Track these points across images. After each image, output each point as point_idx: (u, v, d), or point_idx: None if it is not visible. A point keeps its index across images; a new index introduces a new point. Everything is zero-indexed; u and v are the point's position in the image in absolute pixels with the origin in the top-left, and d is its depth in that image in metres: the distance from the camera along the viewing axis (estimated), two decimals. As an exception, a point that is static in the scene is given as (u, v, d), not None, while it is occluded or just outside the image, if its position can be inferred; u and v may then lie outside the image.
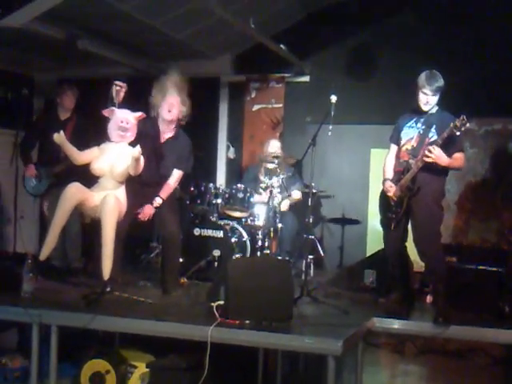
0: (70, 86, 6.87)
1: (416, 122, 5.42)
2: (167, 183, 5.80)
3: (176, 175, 5.86)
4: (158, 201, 5.73)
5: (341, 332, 4.43)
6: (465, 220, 7.74)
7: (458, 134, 5.06)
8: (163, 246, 6.17)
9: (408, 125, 5.46)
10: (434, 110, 5.39)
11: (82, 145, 5.50)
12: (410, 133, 5.43)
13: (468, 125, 5.01)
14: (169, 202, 5.87)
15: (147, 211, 5.74)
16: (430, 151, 5.10)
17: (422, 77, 5.28)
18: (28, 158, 6.86)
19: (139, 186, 5.55)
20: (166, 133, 5.88)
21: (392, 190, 5.39)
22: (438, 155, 5.11)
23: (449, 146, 5.18)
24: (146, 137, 5.55)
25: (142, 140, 5.38)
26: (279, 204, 6.79)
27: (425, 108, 5.34)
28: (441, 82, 5.26)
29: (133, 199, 5.45)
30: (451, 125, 5.03)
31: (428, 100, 5.30)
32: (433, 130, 5.30)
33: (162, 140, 5.86)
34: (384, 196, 5.53)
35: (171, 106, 5.78)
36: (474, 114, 6.68)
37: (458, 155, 5.27)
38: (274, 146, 7.40)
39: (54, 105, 6.90)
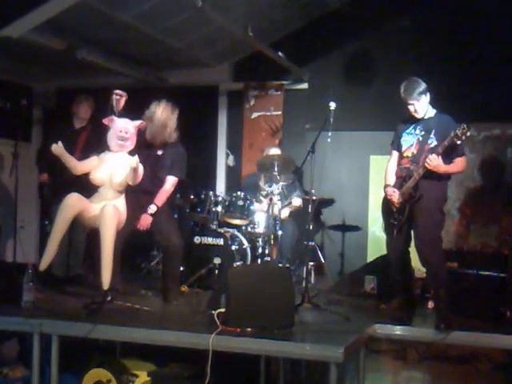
0: (87, 97, 6.90)
1: (414, 128, 5.41)
2: (162, 190, 5.81)
3: (170, 182, 5.86)
4: (152, 208, 5.72)
5: (342, 339, 4.43)
6: (465, 225, 7.73)
7: (458, 142, 5.05)
8: (164, 256, 6.17)
9: (407, 131, 5.45)
10: (431, 114, 5.38)
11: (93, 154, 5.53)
12: (410, 140, 5.42)
13: (469, 133, 5.00)
14: (166, 211, 5.88)
15: (144, 221, 5.74)
16: (429, 160, 5.09)
17: (401, 90, 5.32)
18: (42, 165, 6.98)
19: (135, 195, 5.55)
20: (159, 143, 5.90)
21: (395, 195, 5.38)
22: (435, 165, 5.11)
23: (450, 151, 5.17)
24: (139, 145, 5.56)
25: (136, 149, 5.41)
26: (279, 211, 6.78)
27: (418, 116, 5.36)
28: (420, 87, 5.26)
29: (130, 209, 5.45)
30: (452, 134, 5.02)
31: (416, 108, 5.32)
32: (432, 135, 5.29)
33: (156, 148, 5.89)
34: (386, 202, 5.52)
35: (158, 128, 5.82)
36: (473, 120, 6.68)
37: (458, 159, 5.26)
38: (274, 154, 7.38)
39: (70, 114, 6.93)
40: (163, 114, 5.80)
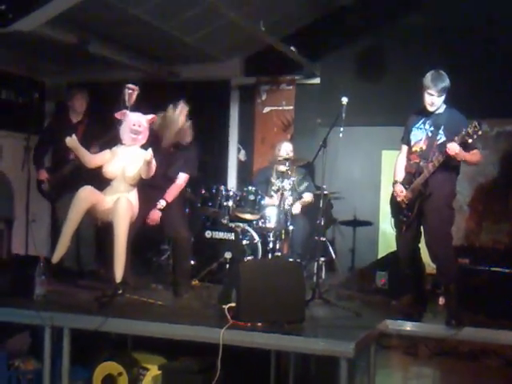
0: (80, 90, 6.88)
1: (424, 123, 5.37)
2: (173, 186, 5.85)
3: (182, 178, 5.92)
4: (162, 203, 5.78)
5: (353, 334, 4.42)
6: (477, 222, 7.70)
7: (470, 141, 5.02)
8: (173, 249, 6.19)
9: (416, 126, 5.41)
10: (441, 110, 5.33)
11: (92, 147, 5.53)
12: (419, 134, 5.39)
13: (480, 132, 4.96)
14: (176, 204, 5.90)
15: (154, 216, 5.79)
16: (449, 148, 5.03)
17: (428, 77, 5.22)
18: (40, 162, 6.86)
19: (145, 189, 5.57)
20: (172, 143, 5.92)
21: (402, 195, 5.36)
22: (457, 152, 5.04)
23: (462, 148, 5.14)
24: (151, 140, 5.57)
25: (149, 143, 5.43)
26: (291, 206, 6.78)
27: (430, 109, 5.29)
28: (446, 82, 5.19)
29: (140, 203, 5.46)
30: (463, 132, 4.98)
31: (433, 101, 5.25)
32: (441, 131, 5.25)
33: (169, 145, 5.90)
34: (395, 199, 5.50)
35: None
36: (485, 116, 6.65)
37: (475, 151, 5.23)
38: (287, 149, 7.38)
39: (66, 108, 6.92)
40: (181, 117, 5.82)
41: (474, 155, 5.22)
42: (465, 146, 5.09)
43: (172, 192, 5.85)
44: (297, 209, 7.06)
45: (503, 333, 4.99)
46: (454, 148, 5.02)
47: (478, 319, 5.23)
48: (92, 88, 7.15)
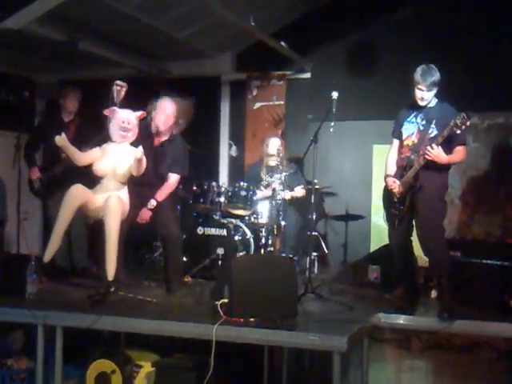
0: (73, 89, 6.85)
1: (416, 117, 5.38)
2: (164, 186, 5.83)
3: (173, 179, 5.89)
4: (152, 203, 5.75)
5: (346, 328, 4.43)
6: (469, 214, 7.72)
7: (458, 132, 5.02)
8: (164, 246, 6.19)
9: (408, 120, 5.42)
10: (433, 104, 5.34)
11: (85, 146, 5.52)
12: (410, 128, 5.39)
13: (469, 123, 4.97)
14: (167, 202, 5.88)
15: (144, 215, 5.78)
16: (428, 150, 5.07)
17: (418, 72, 5.21)
18: (32, 160, 6.84)
19: (136, 187, 5.56)
20: (162, 136, 5.90)
21: (396, 185, 5.36)
22: (436, 155, 5.08)
23: (450, 140, 5.15)
24: (141, 137, 5.56)
25: (138, 140, 5.41)
26: (282, 201, 6.78)
27: (421, 103, 5.29)
28: (436, 76, 5.19)
29: (131, 200, 5.45)
30: (451, 123, 4.98)
31: (423, 96, 5.25)
32: (433, 125, 5.25)
33: (158, 142, 5.88)
34: (387, 192, 5.50)
35: (166, 118, 5.85)
36: (476, 109, 6.68)
37: (458, 148, 5.22)
38: (275, 144, 7.39)
39: (58, 107, 6.89)
40: (168, 107, 5.82)
41: (457, 153, 5.23)
42: (451, 140, 5.11)
43: (163, 192, 5.82)
44: (288, 195, 7.05)
45: (495, 325, 5.00)
46: (433, 151, 5.04)
47: (470, 312, 5.24)
48: (83, 85, 7.13)
